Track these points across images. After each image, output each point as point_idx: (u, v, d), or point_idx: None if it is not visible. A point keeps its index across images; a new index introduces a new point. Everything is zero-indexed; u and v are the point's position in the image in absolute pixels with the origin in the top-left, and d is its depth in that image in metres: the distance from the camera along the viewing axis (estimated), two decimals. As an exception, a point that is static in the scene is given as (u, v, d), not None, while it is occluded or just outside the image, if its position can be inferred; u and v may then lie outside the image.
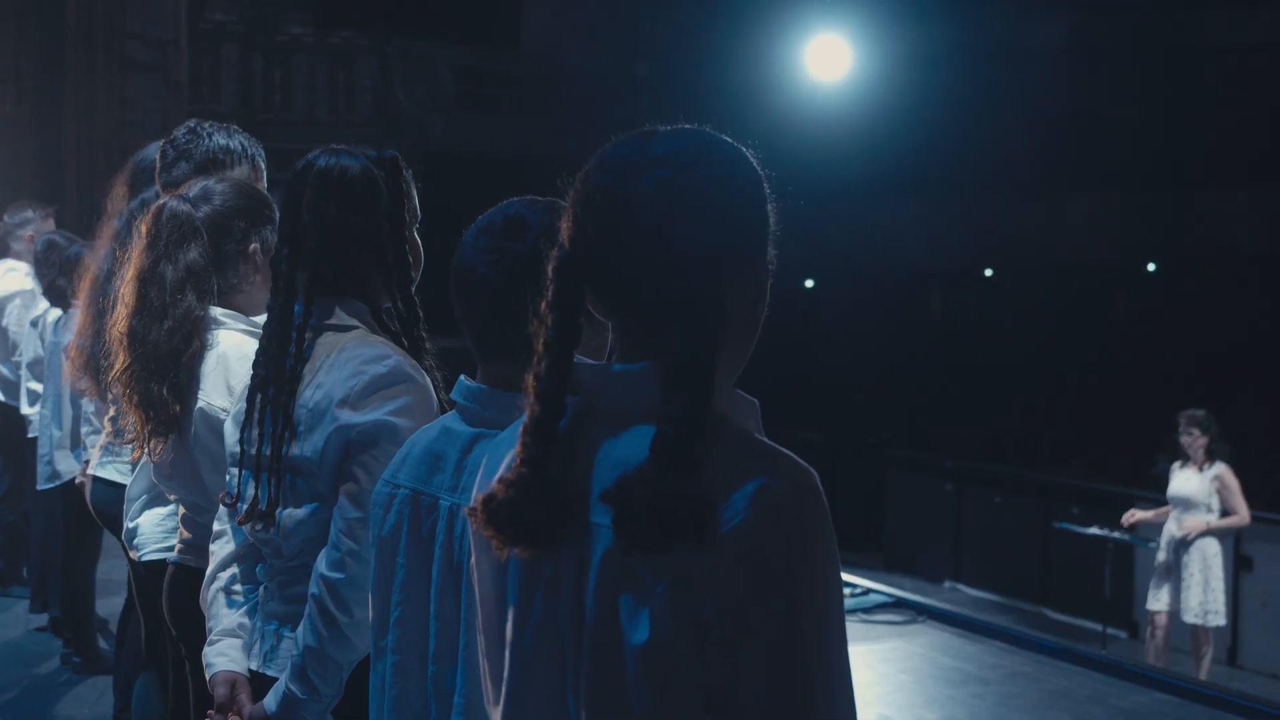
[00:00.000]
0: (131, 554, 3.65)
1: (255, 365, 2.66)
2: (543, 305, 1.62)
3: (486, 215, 2.21)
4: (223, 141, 3.69)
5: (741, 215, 1.62)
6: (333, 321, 2.64)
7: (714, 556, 1.47)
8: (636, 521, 1.47)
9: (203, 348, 3.10)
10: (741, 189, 1.62)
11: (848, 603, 6.57)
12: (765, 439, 1.58)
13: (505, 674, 1.65)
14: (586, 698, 1.56)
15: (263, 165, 3.76)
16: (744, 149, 1.67)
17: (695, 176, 1.59)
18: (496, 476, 1.63)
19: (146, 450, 3.17)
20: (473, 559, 1.73)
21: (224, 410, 3.00)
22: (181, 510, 3.29)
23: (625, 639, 1.52)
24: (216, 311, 3.16)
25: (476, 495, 1.63)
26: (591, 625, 1.55)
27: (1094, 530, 9.90)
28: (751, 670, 1.49)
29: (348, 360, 2.56)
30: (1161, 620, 9.50)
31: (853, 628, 6.33)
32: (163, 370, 3.07)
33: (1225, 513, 9.33)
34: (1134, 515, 9.76)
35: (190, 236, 3.13)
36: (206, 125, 3.74)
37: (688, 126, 1.66)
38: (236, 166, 3.67)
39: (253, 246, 3.19)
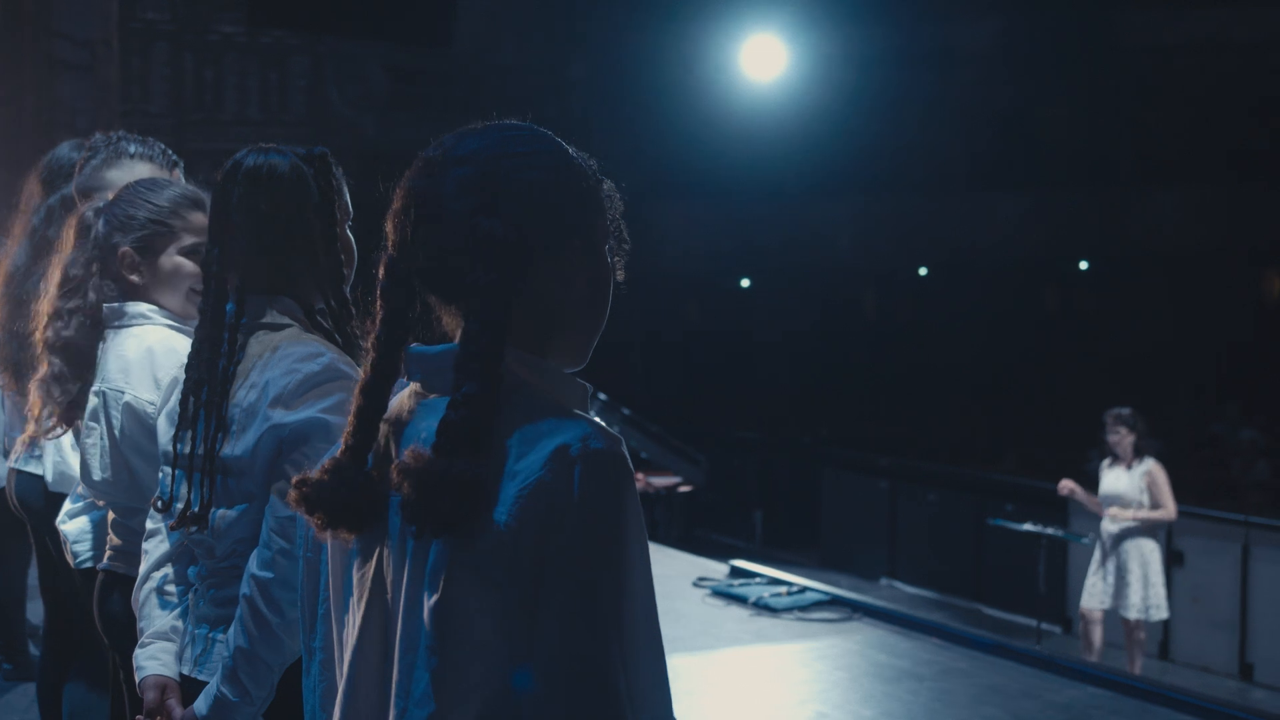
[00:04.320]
0: (70, 560, 3.60)
1: (188, 368, 2.64)
2: (375, 304, 1.70)
3: None
4: (138, 149, 3.74)
5: (542, 207, 1.65)
6: (265, 320, 2.62)
7: (508, 519, 1.51)
8: (413, 507, 1.53)
9: (100, 344, 3.18)
10: (544, 182, 1.66)
11: (784, 600, 6.59)
12: (577, 410, 1.62)
13: (348, 652, 1.70)
14: (398, 659, 1.60)
15: (179, 175, 3.79)
16: (562, 145, 1.72)
17: (493, 173, 1.64)
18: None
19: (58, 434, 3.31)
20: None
21: (151, 404, 3.00)
22: (111, 515, 3.26)
23: (424, 597, 1.56)
24: (142, 307, 3.17)
25: (296, 475, 1.70)
26: (406, 587, 1.60)
27: (1028, 527, 9.96)
28: (545, 632, 1.52)
29: (281, 359, 2.53)
30: (1096, 617, 9.57)
31: (789, 625, 6.36)
32: (68, 372, 3.21)
33: (1155, 508, 9.41)
34: (1069, 485, 9.80)
35: (87, 241, 3.25)
36: (123, 133, 3.83)
37: (507, 123, 1.71)
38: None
39: (122, 250, 3.18)
